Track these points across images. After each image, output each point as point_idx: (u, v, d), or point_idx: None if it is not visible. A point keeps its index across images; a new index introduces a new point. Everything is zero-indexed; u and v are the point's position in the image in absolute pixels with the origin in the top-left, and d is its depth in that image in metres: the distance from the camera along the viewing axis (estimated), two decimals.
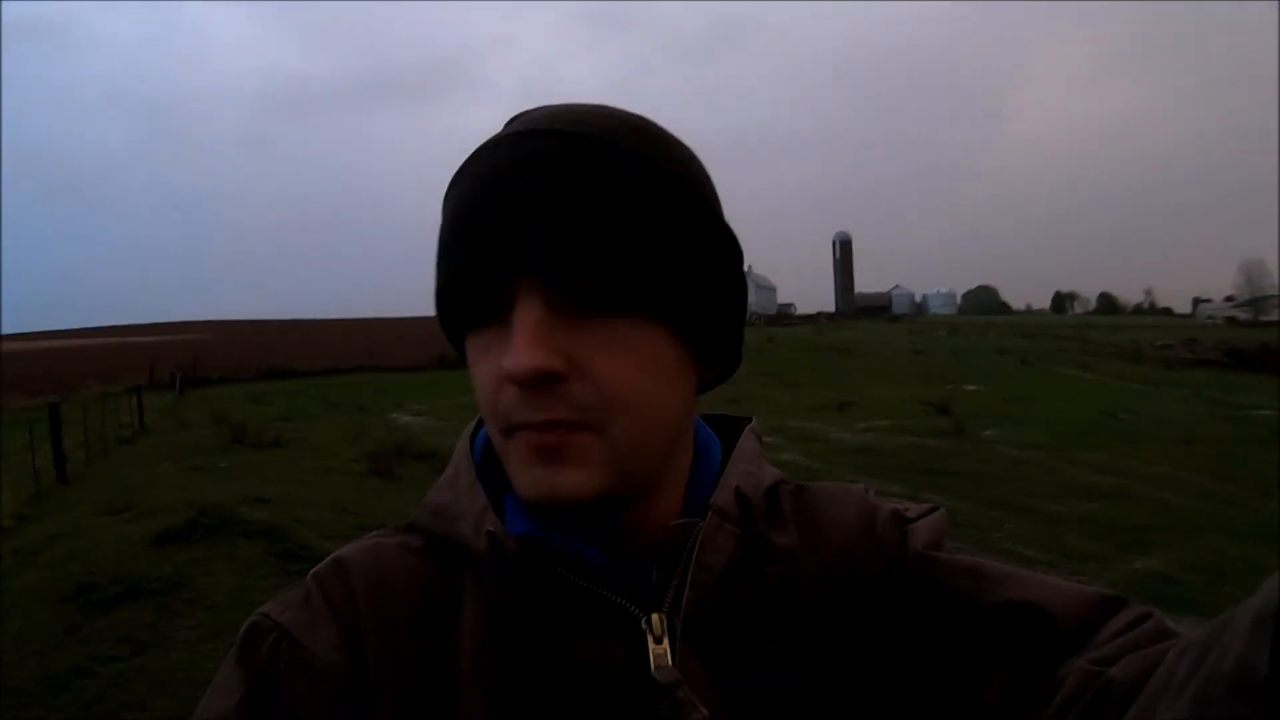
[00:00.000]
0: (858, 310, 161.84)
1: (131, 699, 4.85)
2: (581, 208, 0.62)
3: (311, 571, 0.75)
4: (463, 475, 0.75)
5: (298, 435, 15.43)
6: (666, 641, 0.66)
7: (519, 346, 0.61)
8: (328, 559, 0.75)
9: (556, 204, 0.61)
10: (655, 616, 0.67)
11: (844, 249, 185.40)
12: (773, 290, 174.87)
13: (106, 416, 17.00)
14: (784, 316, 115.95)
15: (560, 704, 0.65)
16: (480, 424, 0.78)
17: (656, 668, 0.65)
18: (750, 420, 0.85)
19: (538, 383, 0.61)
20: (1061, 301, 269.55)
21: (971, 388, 24.75)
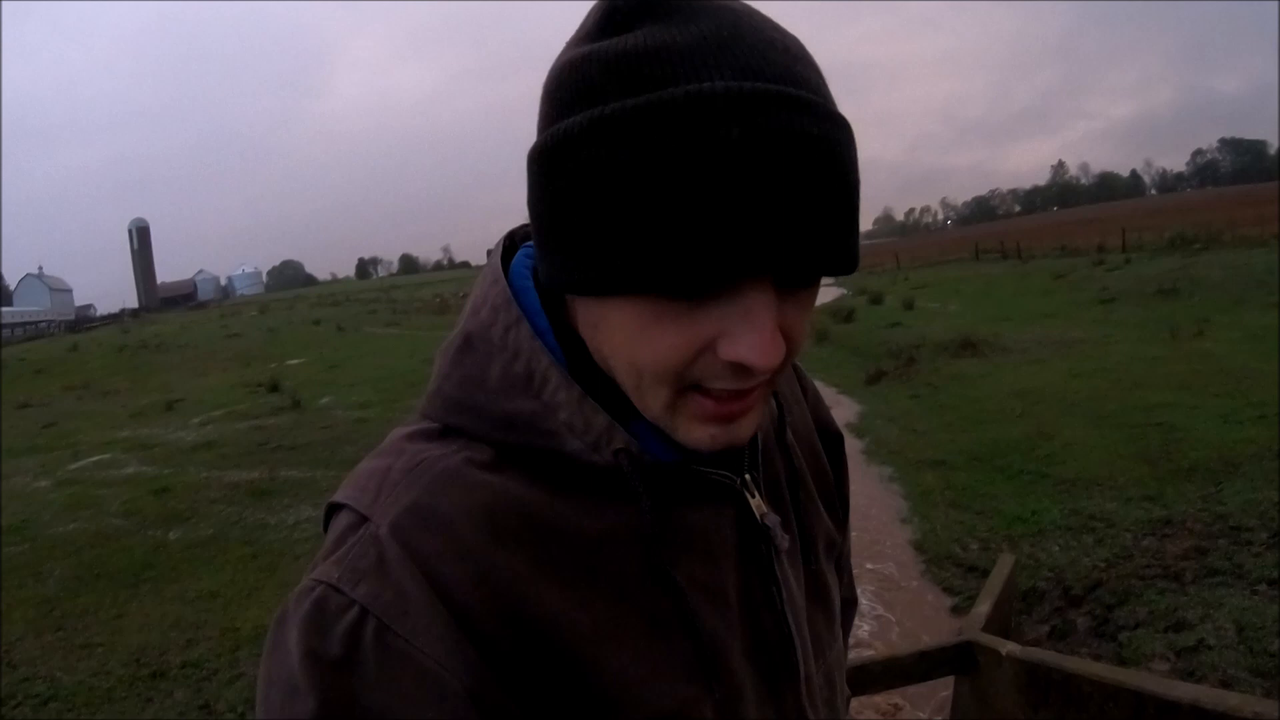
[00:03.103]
0: (162, 302, 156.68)
1: None
2: (832, 204, 0.57)
3: (390, 521, 0.62)
4: (551, 383, 0.67)
5: None
6: (758, 495, 0.76)
7: (763, 344, 0.59)
8: (399, 505, 0.63)
9: (813, 206, 0.56)
10: (747, 477, 0.76)
11: (141, 237, 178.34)
12: (69, 292, 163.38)
13: None
14: (84, 320, 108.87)
15: (704, 573, 0.71)
16: (506, 315, 0.71)
17: (762, 515, 0.75)
18: None
19: None
20: (365, 267, 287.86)
21: (295, 361, 25.27)
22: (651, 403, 0.65)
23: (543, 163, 0.61)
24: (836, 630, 0.90)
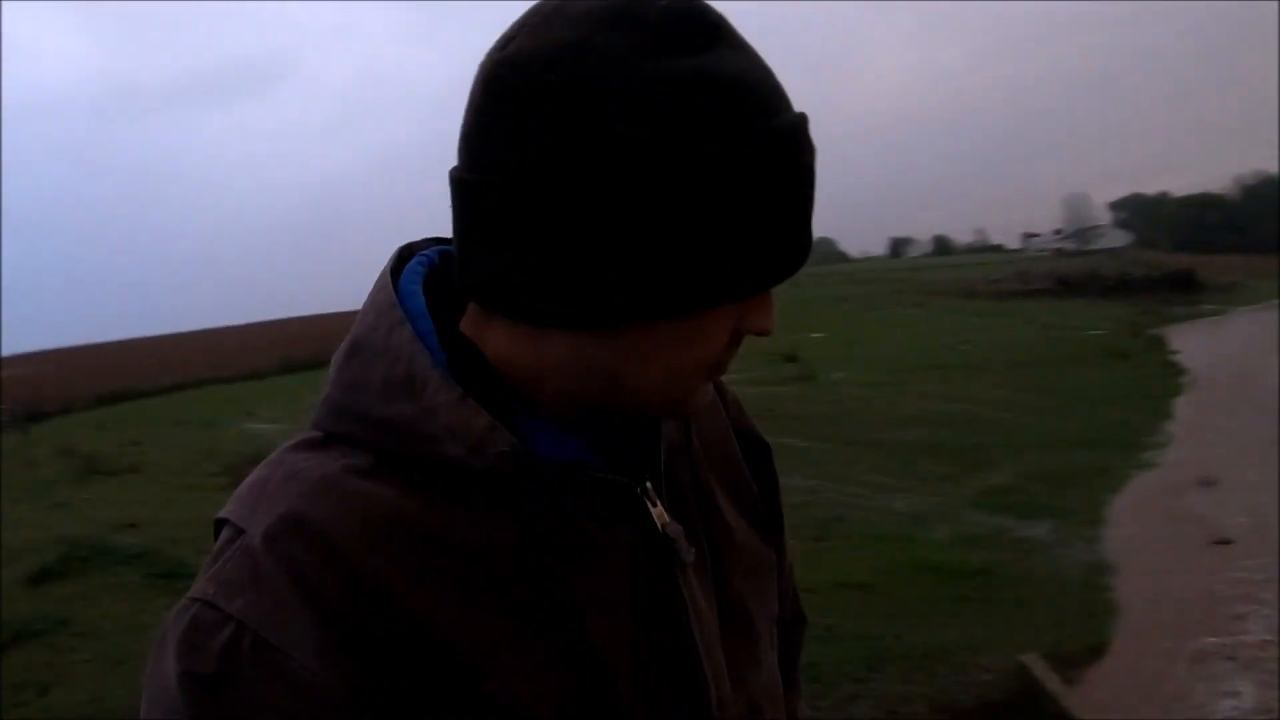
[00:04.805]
0: None
1: None
2: None
3: (262, 532, 0.61)
4: (431, 385, 0.65)
5: (151, 457, 14.19)
6: (660, 504, 0.74)
7: (774, 314, 0.70)
8: (272, 515, 0.62)
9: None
10: (649, 485, 0.73)
11: None
12: None
13: None
14: None
15: (595, 585, 0.69)
16: (389, 318, 0.69)
17: (664, 525, 0.73)
18: None
19: None
20: (897, 246, 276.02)
21: (816, 335, 24.93)
22: (684, 393, 0.70)
23: (661, 174, 0.59)
24: (761, 655, 0.84)
